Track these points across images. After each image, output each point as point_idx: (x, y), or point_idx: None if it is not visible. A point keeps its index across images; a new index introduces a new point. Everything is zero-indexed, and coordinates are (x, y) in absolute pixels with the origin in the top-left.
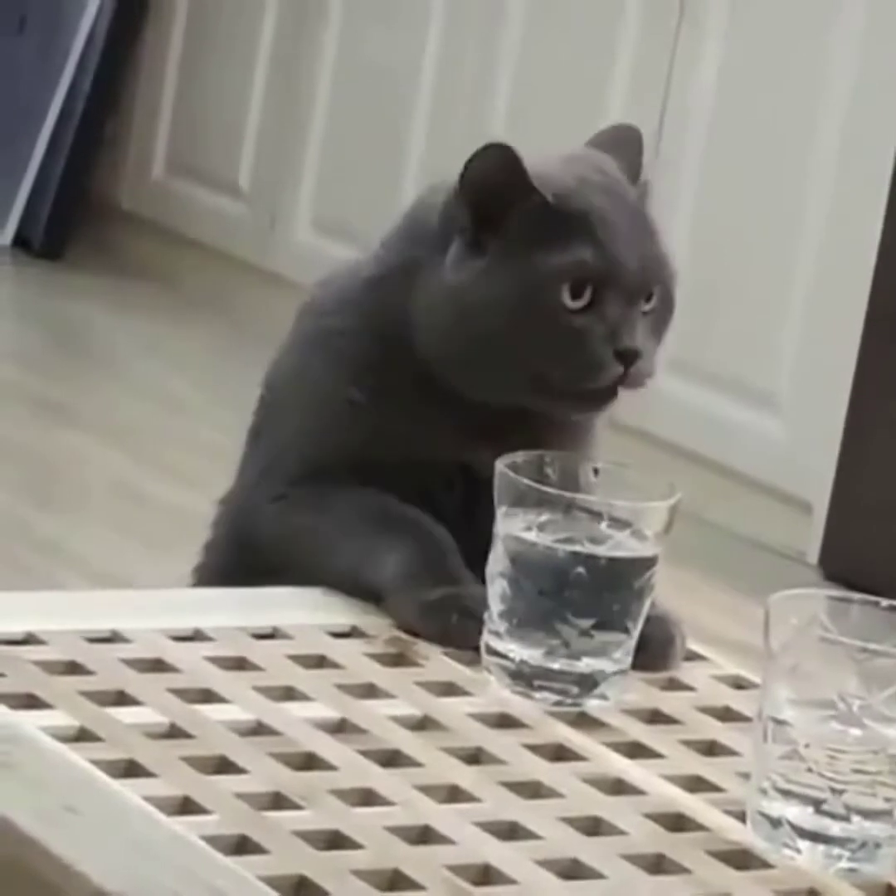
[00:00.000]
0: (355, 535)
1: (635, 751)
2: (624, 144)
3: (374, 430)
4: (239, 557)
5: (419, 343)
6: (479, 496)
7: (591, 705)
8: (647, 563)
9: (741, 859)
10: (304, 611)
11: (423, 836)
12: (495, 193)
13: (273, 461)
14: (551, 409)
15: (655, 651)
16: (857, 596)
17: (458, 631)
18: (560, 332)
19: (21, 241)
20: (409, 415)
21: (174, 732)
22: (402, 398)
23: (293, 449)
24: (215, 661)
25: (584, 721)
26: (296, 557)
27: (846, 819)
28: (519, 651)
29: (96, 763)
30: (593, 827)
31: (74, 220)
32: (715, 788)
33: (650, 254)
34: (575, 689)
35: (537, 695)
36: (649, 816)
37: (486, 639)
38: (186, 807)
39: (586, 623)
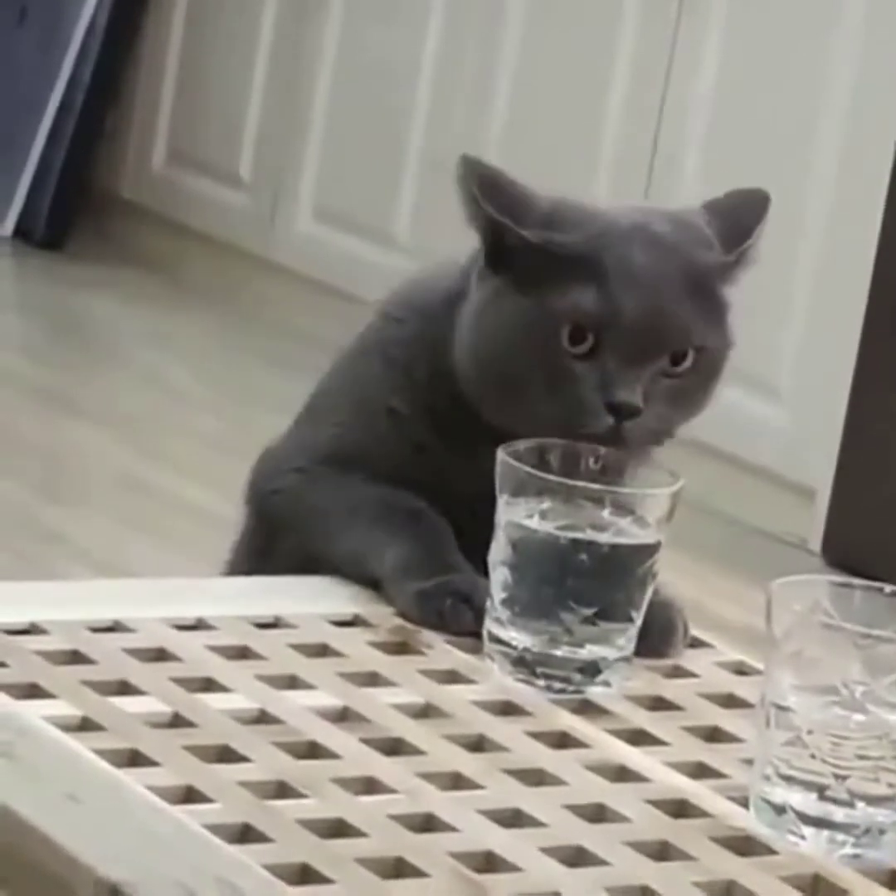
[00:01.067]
0: (360, 522)
1: (638, 738)
2: (739, 208)
3: (406, 444)
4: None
5: (454, 361)
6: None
7: (594, 692)
8: (650, 550)
9: (745, 846)
10: (306, 600)
11: (427, 823)
12: (495, 228)
13: (307, 443)
14: None
15: (658, 638)
16: (859, 582)
17: (452, 615)
18: (556, 373)
19: (22, 233)
20: (443, 436)
21: (177, 721)
22: (440, 417)
23: (327, 440)
24: (218, 650)
25: (587, 708)
26: (302, 533)
27: (850, 805)
28: (521, 639)
29: (99, 752)
30: (597, 814)
31: (75, 211)
32: (718, 775)
33: (678, 314)
34: (578, 677)
35: (540, 682)
36: (653, 803)
37: (489, 626)
38: (189, 795)
39: (589, 610)
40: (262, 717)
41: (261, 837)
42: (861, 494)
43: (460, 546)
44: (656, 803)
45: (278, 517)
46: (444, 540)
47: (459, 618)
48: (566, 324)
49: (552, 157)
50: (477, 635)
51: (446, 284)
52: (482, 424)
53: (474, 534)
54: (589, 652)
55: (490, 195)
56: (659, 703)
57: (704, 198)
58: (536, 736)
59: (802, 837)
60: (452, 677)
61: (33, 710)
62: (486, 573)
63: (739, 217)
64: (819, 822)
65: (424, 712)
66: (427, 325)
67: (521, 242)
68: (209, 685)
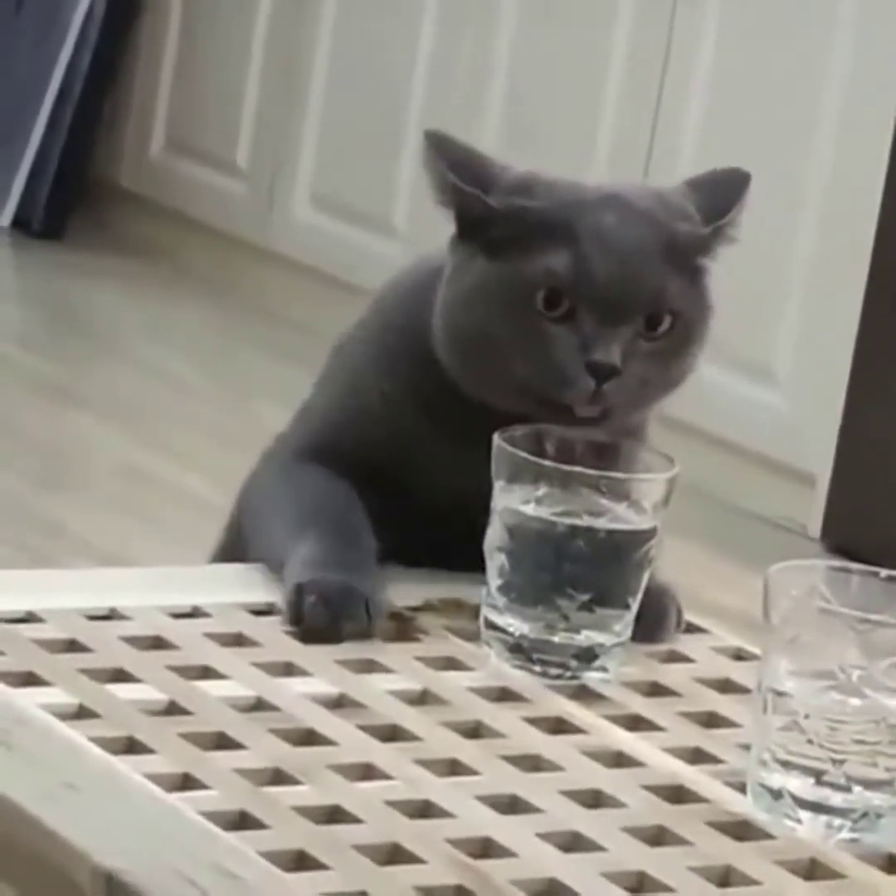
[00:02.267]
0: (286, 524)
1: (635, 723)
2: (719, 185)
3: (398, 431)
4: None
5: (435, 342)
6: (477, 530)
7: (591, 678)
8: (646, 535)
9: (742, 831)
10: None
11: (424, 810)
12: (464, 200)
13: (297, 432)
14: (539, 419)
15: (652, 623)
16: (856, 566)
17: (310, 613)
18: (533, 337)
19: (20, 222)
20: (435, 421)
21: (173, 709)
22: (432, 403)
23: (316, 429)
24: (214, 637)
25: (583, 694)
26: (241, 523)
27: (847, 789)
28: (518, 625)
29: (96, 740)
30: (593, 800)
31: (73, 201)
32: (715, 760)
33: (652, 277)
34: (574, 663)
35: (537, 668)
36: (649, 789)
37: (485, 613)
38: (186, 783)
39: (585, 596)
40: (259, 705)
41: (257, 824)
42: (860, 480)
43: (450, 535)
44: (653, 789)
45: (237, 505)
46: (355, 543)
47: (315, 617)
48: (541, 288)
49: (549, 144)
50: (331, 636)
51: (434, 267)
52: (474, 410)
53: (464, 522)
54: (585, 638)
55: (457, 167)
56: (656, 689)
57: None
58: (533, 722)
59: (799, 822)
60: (449, 664)
61: (30, 699)
62: (481, 562)
63: (719, 193)
64: (816, 807)
65: (421, 699)
66: (416, 310)
67: (491, 212)
68: (205, 673)
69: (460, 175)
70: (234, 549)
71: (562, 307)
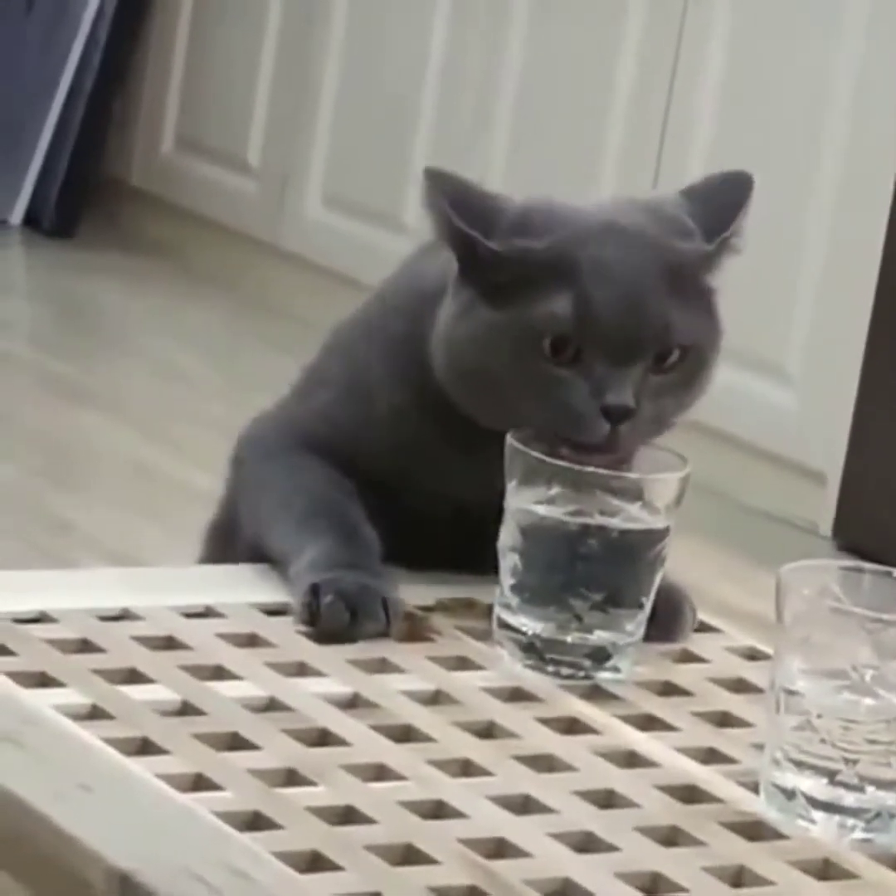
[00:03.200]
0: (289, 518)
1: (648, 723)
2: (720, 193)
3: (400, 433)
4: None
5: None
6: (474, 535)
7: (604, 678)
8: (659, 535)
9: (755, 831)
10: None
11: (437, 810)
12: (466, 241)
13: (293, 416)
14: (554, 456)
15: (664, 622)
16: (869, 566)
17: (327, 612)
18: (543, 384)
19: (31, 220)
20: (440, 427)
21: (186, 709)
22: (436, 410)
23: (314, 417)
24: (226, 637)
25: (596, 694)
26: (243, 511)
27: (860, 789)
28: (531, 625)
29: (109, 741)
30: (607, 800)
31: (84, 199)
32: (728, 760)
33: (658, 312)
34: (587, 662)
35: (549, 668)
36: (662, 789)
37: (498, 612)
38: (199, 783)
39: (598, 596)
40: (272, 705)
41: (270, 825)
42: (871, 478)
43: (450, 542)
44: (666, 789)
45: (233, 487)
46: (363, 543)
47: (333, 616)
48: (546, 335)
49: (559, 144)
50: (347, 636)
51: (439, 272)
52: (468, 423)
53: (465, 529)
54: (598, 638)
55: (459, 207)
56: (668, 689)
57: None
58: (546, 722)
59: (812, 822)
60: (462, 664)
61: (42, 699)
62: (493, 565)
63: (720, 202)
64: (829, 807)
65: (434, 699)
66: (422, 320)
67: (493, 254)
68: (218, 673)
69: (463, 215)
70: (228, 525)
71: (569, 351)
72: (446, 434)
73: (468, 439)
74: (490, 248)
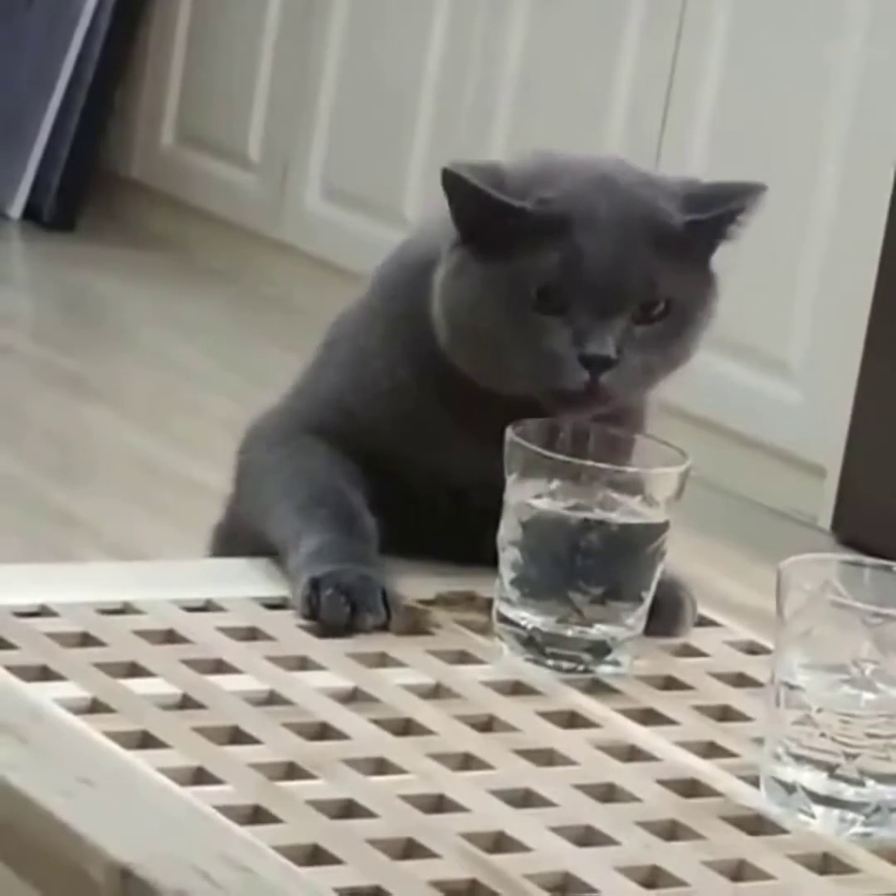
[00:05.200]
0: (288, 507)
1: (648, 717)
2: (726, 187)
3: (407, 415)
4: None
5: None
6: (474, 522)
7: (604, 672)
8: (659, 529)
9: (755, 825)
10: None
11: (437, 804)
12: (470, 214)
13: (300, 407)
14: (544, 406)
15: (665, 617)
16: (869, 560)
17: (327, 606)
18: (528, 333)
19: (31, 213)
20: (446, 405)
21: (187, 703)
22: (442, 387)
23: (321, 406)
24: (227, 631)
25: (596, 688)
26: (242, 501)
27: (860, 783)
28: (531, 618)
29: (110, 735)
30: (607, 794)
31: (84, 192)
32: (728, 754)
33: (643, 267)
34: (587, 656)
35: (550, 662)
36: (663, 783)
37: (498, 606)
38: (200, 777)
39: (598, 590)
40: (272, 699)
41: (271, 819)
42: (871, 472)
43: (456, 525)
44: (666, 783)
45: (236, 478)
46: (363, 533)
47: (333, 610)
48: (533, 286)
49: (559, 138)
50: (346, 628)
51: (430, 248)
52: (481, 394)
53: (466, 511)
54: (598, 631)
55: (469, 168)
56: (669, 683)
57: (716, 160)
58: (546, 716)
59: (812, 816)
60: (462, 658)
61: (43, 693)
62: (493, 554)
63: (722, 192)
64: (829, 801)
65: (434, 693)
66: (420, 297)
67: (494, 208)
68: (219, 667)
69: (475, 174)
70: (233, 525)
71: (554, 301)
72: (448, 410)
73: (470, 416)
74: (494, 200)
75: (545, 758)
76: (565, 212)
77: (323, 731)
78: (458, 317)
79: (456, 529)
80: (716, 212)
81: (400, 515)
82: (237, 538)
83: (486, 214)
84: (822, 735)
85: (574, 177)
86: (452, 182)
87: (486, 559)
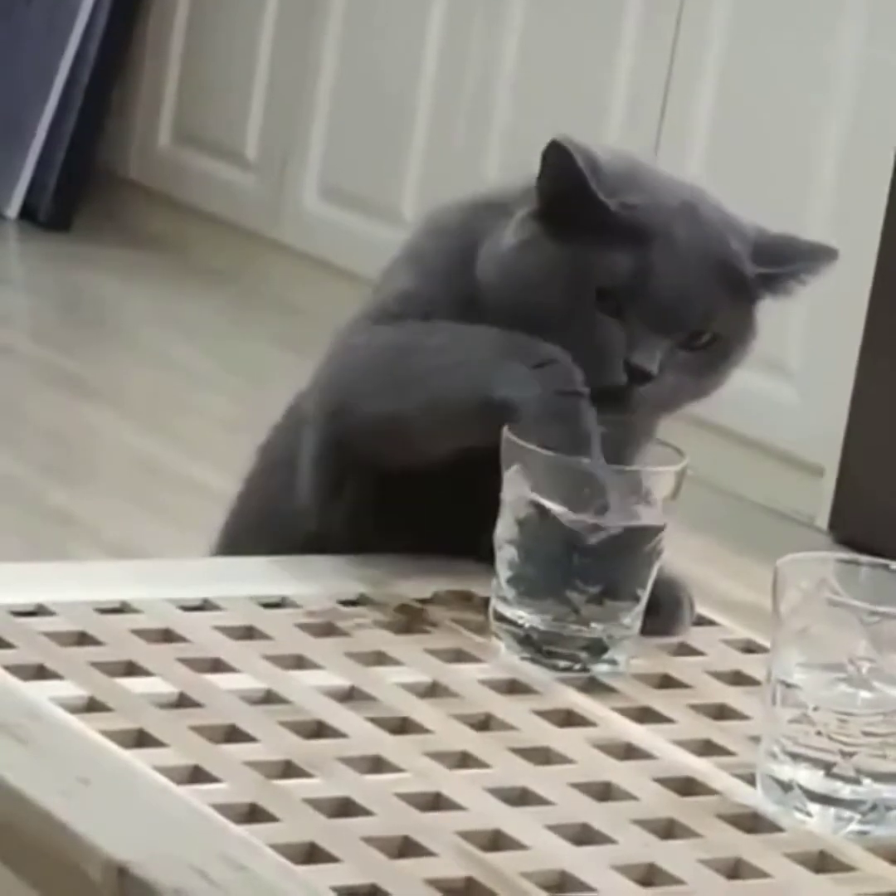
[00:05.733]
0: (438, 344)
1: (645, 715)
2: (796, 244)
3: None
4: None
5: (481, 294)
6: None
7: (601, 671)
8: (655, 528)
9: (751, 823)
10: (312, 580)
11: (434, 802)
12: (562, 195)
13: (372, 307)
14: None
15: (664, 616)
16: (865, 559)
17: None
18: (581, 324)
19: (28, 213)
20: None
21: (184, 702)
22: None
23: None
24: (224, 630)
25: (593, 686)
26: (376, 397)
27: (856, 782)
28: (528, 617)
29: (107, 733)
30: (603, 792)
31: (81, 191)
32: (725, 752)
33: (704, 299)
34: (584, 655)
35: (547, 661)
36: (659, 781)
37: (495, 605)
38: (197, 776)
39: (595, 589)
40: (269, 697)
41: (268, 817)
42: (869, 472)
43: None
44: (663, 781)
45: (349, 402)
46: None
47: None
48: (598, 282)
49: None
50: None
51: (501, 197)
52: None
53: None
54: (595, 630)
55: (575, 147)
56: (666, 681)
57: (713, 167)
58: (543, 714)
59: (809, 814)
60: (459, 656)
61: (40, 692)
62: (488, 549)
63: (797, 249)
64: (826, 799)
65: (431, 691)
66: (467, 236)
67: (583, 195)
68: (216, 665)
69: (581, 156)
70: (238, 523)
71: (611, 305)
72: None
73: None
74: (588, 192)
75: (542, 756)
76: (647, 223)
77: (320, 730)
78: (515, 287)
79: (460, 513)
80: (788, 269)
81: (411, 492)
82: (242, 538)
83: (573, 197)
84: (819, 733)
85: (660, 192)
86: (557, 155)
87: (483, 553)
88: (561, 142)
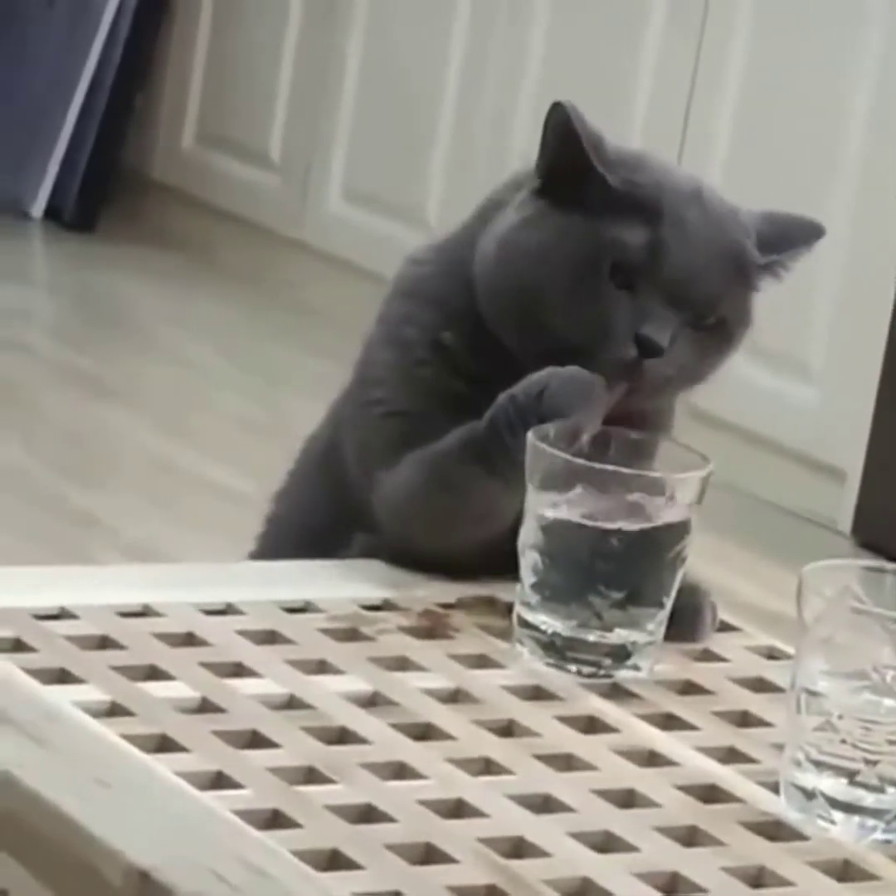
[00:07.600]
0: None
1: (668, 722)
2: (791, 226)
3: (455, 381)
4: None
5: (477, 288)
6: None
7: (624, 677)
8: (680, 534)
9: (775, 831)
10: (335, 584)
11: (456, 809)
12: (557, 157)
13: (371, 438)
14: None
15: (687, 622)
16: (890, 566)
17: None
18: (592, 296)
19: (52, 213)
20: (490, 364)
21: (206, 707)
22: (482, 344)
23: (386, 424)
24: (247, 635)
25: (616, 692)
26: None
27: (880, 790)
28: (551, 623)
29: (128, 738)
30: (626, 799)
31: (105, 192)
32: (748, 760)
33: (714, 280)
34: (607, 661)
35: (570, 667)
36: (682, 788)
37: (518, 610)
38: (219, 781)
39: (618, 595)
40: (292, 703)
41: (290, 823)
42: (892, 475)
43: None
44: (686, 788)
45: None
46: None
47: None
48: (612, 256)
49: None
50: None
51: (463, 225)
52: (507, 356)
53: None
54: (618, 636)
55: (582, 121)
56: (689, 688)
57: (734, 173)
58: (566, 721)
59: (832, 822)
60: (482, 662)
61: (62, 696)
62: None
63: (786, 233)
64: (849, 808)
65: (454, 697)
66: (450, 257)
67: (591, 174)
68: (238, 670)
69: (585, 131)
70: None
71: (623, 279)
72: (491, 365)
73: (513, 369)
74: (595, 168)
75: (564, 763)
76: (657, 201)
77: (342, 736)
78: (519, 262)
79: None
80: (787, 256)
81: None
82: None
83: (577, 163)
84: (843, 741)
85: (667, 176)
86: (557, 118)
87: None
88: (563, 103)
